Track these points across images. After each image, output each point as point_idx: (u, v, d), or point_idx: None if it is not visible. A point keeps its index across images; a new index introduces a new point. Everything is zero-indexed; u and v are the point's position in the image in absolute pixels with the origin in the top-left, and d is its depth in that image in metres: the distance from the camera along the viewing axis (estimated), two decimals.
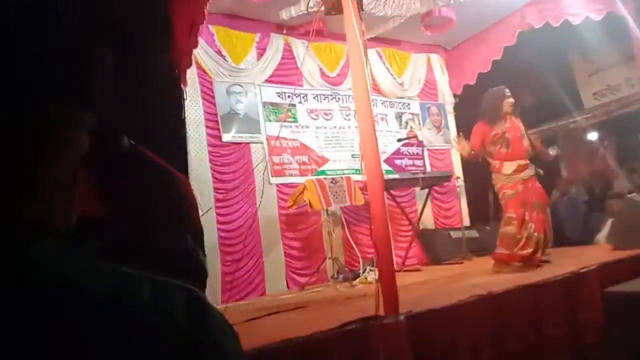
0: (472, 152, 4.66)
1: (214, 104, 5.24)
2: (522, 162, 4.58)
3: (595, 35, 6.48)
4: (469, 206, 7.02)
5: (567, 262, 4.33)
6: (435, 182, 6.17)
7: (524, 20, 6.15)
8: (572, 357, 3.34)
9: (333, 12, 3.42)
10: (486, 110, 4.63)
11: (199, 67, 5.24)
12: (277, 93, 5.71)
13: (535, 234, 4.48)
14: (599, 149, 8.85)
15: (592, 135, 8.89)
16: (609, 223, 5.35)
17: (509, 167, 4.54)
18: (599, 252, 4.71)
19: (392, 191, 6.02)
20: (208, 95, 5.25)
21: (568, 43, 7.54)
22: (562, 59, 8.18)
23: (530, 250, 4.42)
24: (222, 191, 5.12)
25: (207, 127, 5.16)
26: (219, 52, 5.40)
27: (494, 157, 4.58)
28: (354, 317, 2.62)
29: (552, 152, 4.92)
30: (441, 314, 2.86)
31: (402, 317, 2.62)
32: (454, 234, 6.17)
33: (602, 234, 5.53)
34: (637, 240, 4.44)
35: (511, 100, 4.60)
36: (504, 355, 2.99)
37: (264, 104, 5.60)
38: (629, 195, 5.23)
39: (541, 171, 4.76)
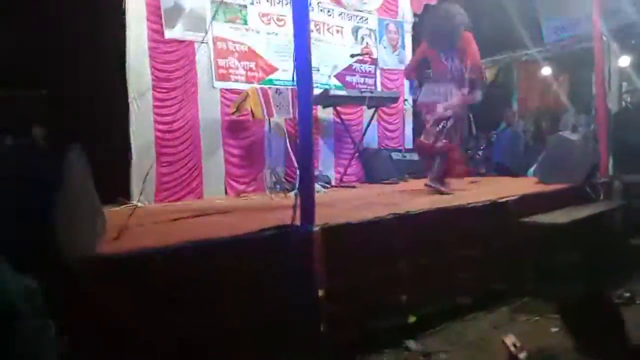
0: None
1: None
2: None
3: None
4: (414, 129, 7.09)
5: (492, 190, 4.52)
6: (382, 102, 6.16)
7: None
8: (484, 280, 3.57)
9: None
10: None
11: None
12: None
13: None
14: (553, 84, 8.97)
15: (547, 70, 8.94)
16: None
17: None
18: (525, 184, 4.92)
19: (339, 107, 6.00)
20: None
21: None
22: None
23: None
24: (161, 90, 4.93)
25: (148, 20, 4.85)
26: None
27: None
28: (273, 224, 2.69)
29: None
30: (356, 228, 2.96)
31: (316, 228, 2.70)
32: (395, 156, 6.27)
33: (534, 168, 5.74)
34: (559, 176, 4.66)
35: None
36: (415, 271, 3.16)
37: (213, 1, 5.29)
38: (560, 132, 5.39)
39: None
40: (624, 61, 7.27)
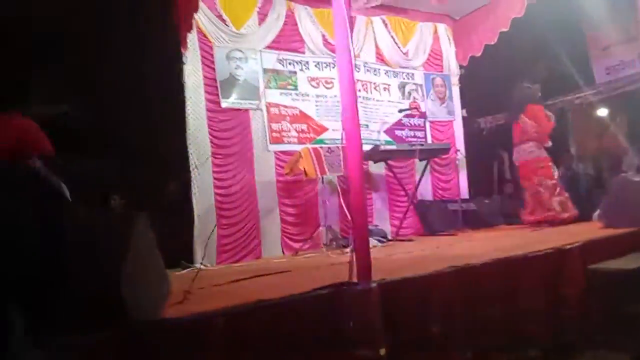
0: None
1: (214, 69, 5.26)
2: None
3: (610, 9, 6.34)
4: (469, 179, 7.03)
5: (556, 237, 4.37)
6: (433, 153, 6.18)
7: None
8: (549, 331, 3.41)
9: None
10: None
11: (200, 31, 5.24)
12: (278, 60, 5.70)
13: None
14: (610, 126, 8.71)
15: (603, 112, 8.72)
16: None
17: None
18: (589, 229, 4.72)
19: (390, 162, 6.07)
20: (208, 60, 5.26)
21: (582, 16, 7.37)
22: (574, 32, 7.99)
23: None
24: (220, 156, 5.19)
25: (206, 92, 5.19)
26: (220, 17, 5.38)
27: None
28: (330, 282, 2.71)
29: None
30: (414, 283, 2.93)
31: (374, 284, 2.70)
32: (451, 206, 6.20)
33: (598, 212, 5.51)
34: (626, 220, 4.45)
35: None
36: (479, 326, 3.06)
37: (265, 70, 5.60)
38: (623, 174, 5.19)
39: None
40: None
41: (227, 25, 5.42)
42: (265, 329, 2.36)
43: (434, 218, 6.11)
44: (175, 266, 4.44)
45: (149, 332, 2.08)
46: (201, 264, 4.44)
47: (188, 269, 4.43)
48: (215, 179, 5.14)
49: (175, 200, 4.80)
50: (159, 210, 4.11)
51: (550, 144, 5.79)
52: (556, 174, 5.81)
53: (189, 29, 4.97)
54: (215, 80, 5.28)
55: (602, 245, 4.03)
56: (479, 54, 6.93)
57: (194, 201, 4.94)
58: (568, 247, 3.76)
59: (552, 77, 7.88)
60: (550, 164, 5.77)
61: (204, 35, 5.28)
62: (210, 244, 4.95)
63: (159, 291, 2.44)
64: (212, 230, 4.89)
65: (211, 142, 5.16)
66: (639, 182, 4.75)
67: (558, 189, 5.70)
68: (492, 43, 6.69)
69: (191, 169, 4.95)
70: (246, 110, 5.44)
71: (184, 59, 5.05)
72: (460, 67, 7.26)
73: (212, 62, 5.29)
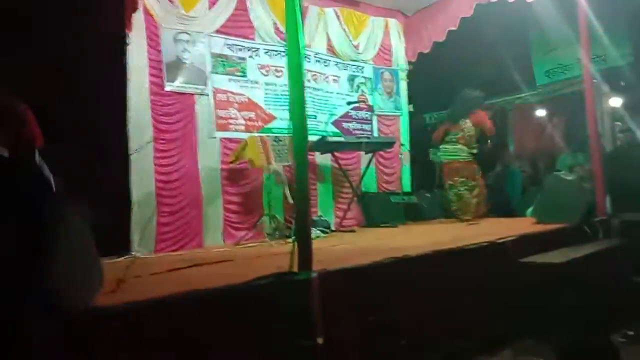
0: None
1: (160, 51, 5.08)
2: None
3: (554, 14, 6.59)
4: (412, 173, 7.18)
5: (491, 231, 4.54)
6: (379, 147, 6.27)
7: None
8: (484, 322, 3.54)
9: None
10: None
11: (147, 11, 5.03)
12: (227, 45, 5.59)
13: None
14: (547, 126, 9.10)
15: (542, 112, 9.09)
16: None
17: None
18: (522, 225, 4.94)
19: (336, 153, 6.10)
20: (154, 42, 5.06)
21: (528, 20, 7.64)
22: (520, 35, 8.29)
23: None
24: (162, 141, 5.02)
25: (150, 74, 4.99)
26: None
27: None
28: (271, 272, 2.70)
29: None
30: (354, 273, 2.97)
31: (314, 274, 2.71)
32: (394, 199, 6.32)
33: (532, 208, 5.76)
34: (558, 216, 4.68)
35: None
36: (415, 316, 3.14)
37: (213, 55, 5.48)
38: (556, 173, 5.45)
39: None
40: (616, 102, 7.41)
41: (175, 6, 5.23)
42: (202, 319, 2.32)
43: (377, 210, 6.20)
44: (111, 254, 4.29)
45: (78, 322, 2.00)
46: (138, 251, 4.32)
47: (124, 257, 4.30)
48: (156, 164, 4.97)
49: (112, 185, 4.61)
50: (94, 195, 3.94)
51: (476, 151, 6.13)
52: (479, 174, 6.14)
53: (135, 8, 4.79)
54: (160, 62, 5.10)
55: (534, 239, 4.23)
56: (427, 51, 7.06)
57: (132, 187, 4.76)
58: (502, 240, 3.92)
59: (495, 77, 8.15)
60: (474, 166, 6.11)
61: (151, 16, 5.08)
62: (149, 232, 4.83)
63: (91, 278, 2.34)
64: (151, 217, 4.76)
65: (153, 126, 4.99)
66: (571, 181, 5.00)
67: (476, 190, 6.08)
68: (441, 41, 6.82)
69: (130, 153, 4.77)
70: (191, 95, 5.30)
71: (127, 40, 4.84)
72: (409, 62, 7.37)
73: (158, 44, 5.10)
